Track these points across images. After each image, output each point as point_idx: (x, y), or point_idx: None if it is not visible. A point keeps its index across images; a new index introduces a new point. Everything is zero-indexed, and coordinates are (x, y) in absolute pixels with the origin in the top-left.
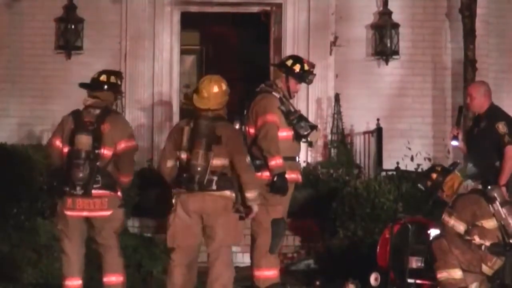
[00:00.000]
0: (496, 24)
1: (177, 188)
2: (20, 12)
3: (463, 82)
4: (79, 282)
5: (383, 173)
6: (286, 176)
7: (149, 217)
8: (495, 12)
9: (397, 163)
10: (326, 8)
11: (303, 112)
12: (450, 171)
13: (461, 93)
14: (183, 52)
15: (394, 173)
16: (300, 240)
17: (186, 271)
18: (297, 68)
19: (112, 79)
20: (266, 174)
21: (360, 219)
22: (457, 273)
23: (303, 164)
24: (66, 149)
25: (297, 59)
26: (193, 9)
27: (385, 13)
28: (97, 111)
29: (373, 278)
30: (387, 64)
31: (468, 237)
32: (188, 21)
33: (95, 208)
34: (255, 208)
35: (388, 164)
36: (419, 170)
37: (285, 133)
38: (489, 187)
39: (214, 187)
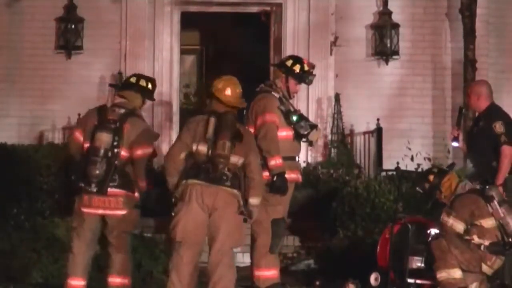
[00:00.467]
0: (496, 24)
1: (190, 180)
2: (20, 12)
3: (463, 82)
4: (82, 282)
5: (383, 173)
6: (286, 176)
7: (149, 217)
8: (495, 12)
9: (397, 163)
10: (326, 8)
11: (303, 112)
12: (447, 172)
13: (461, 93)
14: (183, 52)
15: (394, 173)
16: (300, 240)
17: (193, 271)
18: (297, 68)
19: (142, 82)
20: (266, 174)
21: (360, 219)
22: (456, 273)
23: (303, 164)
24: (86, 145)
25: (297, 59)
26: (193, 9)
27: (385, 13)
28: (122, 111)
29: (373, 278)
30: (387, 64)
31: (467, 237)
32: (188, 21)
33: (110, 207)
34: (255, 214)
35: (388, 164)
36: (419, 170)
37: (285, 133)
38: (487, 186)
39: (228, 183)
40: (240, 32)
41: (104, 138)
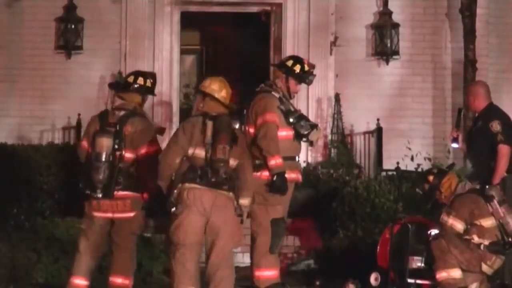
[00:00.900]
0: (496, 24)
1: (188, 183)
2: (20, 12)
3: (463, 82)
4: (85, 282)
5: (383, 173)
6: (286, 175)
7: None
8: (495, 12)
9: (397, 163)
10: (326, 8)
11: (303, 112)
12: (446, 172)
13: (461, 93)
14: (183, 52)
15: (394, 173)
16: (300, 240)
17: (197, 268)
18: (297, 68)
19: (140, 80)
20: (266, 173)
21: (360, 219)
22: (456, 273)
23: (303, 164)
24: (90, 151)
25: (297, 59)
26: (193, 9)
27: (385, 13)
28: (122, 113)
29: (373, 278)
30: (387, 64)
31: (467, 237)
32: (188, 21)
33: (118, 210)
34: (246, 214)
35: (388, 164)
36: (419, 170)
37: (285, 133)
38: (487, 186)
39: (226, 186)
40: (240, 32)
41: (104, 143)
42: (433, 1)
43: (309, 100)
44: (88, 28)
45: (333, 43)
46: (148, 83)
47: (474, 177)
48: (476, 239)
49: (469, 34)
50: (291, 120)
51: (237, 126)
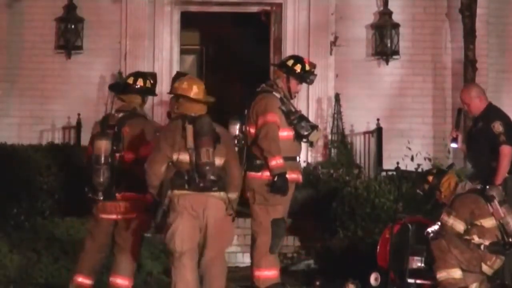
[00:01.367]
0: (496, 24)
1: (177, 190)
2: (20, 12)
3: (463, 82)
4: (88, 281)
5: (383, 173)
6: (287, 176)
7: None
8: (495, 12)
9: (397, 163)
10: (326, 8)
11: (304, 112)
12: (446, 172)
13: None
14: (183, 52)
15: (394, 173)
16: (300, 240)
17: (196, 276)
18: (298, 68)
19: (140, 81)
20: (267, 174)
21: (360, 219)
22: (456, 273)
23: (303, 164)
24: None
25: (298, 59)
26: (193, 9)
27: (385, 13)
28: (121, 115)
29: (373, 278)
30: (387, 64)
31: (467, 237)
32: (188, 21)
33: (121, 211)
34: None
35: (388, 164)
36: (419, 170)
37: (285, 133)
38: (487, 186)
39: (215, 187)
40: (240, 32)
41: (102, 145)
42: (433, 1)
43: (309, 100)
44: (88, 28)
45: (333, 43)
46: (148, 84)
47: (475, 178)
48: (476, 239)
49: (469, 34)
50: (291, 120)
51: (237, 126)
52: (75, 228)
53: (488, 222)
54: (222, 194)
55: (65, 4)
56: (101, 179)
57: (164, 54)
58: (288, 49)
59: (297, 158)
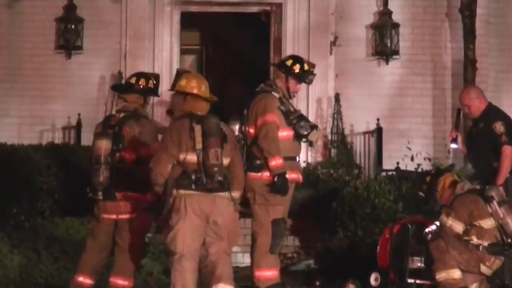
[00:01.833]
0: (496, 24)
1: (183, 190)
2: (20, 12)
3: (463, 82)
4: (88, 281)
5: (383, 173)
6: (287, 176)
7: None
8: (495, 12)
9: (397, 163)
10: (326, 8)
11: (303, 112)
12: (444, 172)
13: None
14: (183, 52)
15: (394, 173)
16: (300, 240)
17: (195, 277)
18: (296, 68)
19: (142, 81)
20: (267, 174)
21: (360, 219)
22: (455, 273)
23: (303, 164)
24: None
25: (297, 59)
26: (193, 9)
27: (385, 13)
28: (122, 115)
29: (373, 278)
30: (387, 64)
31: (466, 237)
32: (188, 21)
33: (121, 211)
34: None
35: (388, 164)
36: (419, 170)
37: (285, 133)
38: (486, 186)
39: (222, 188)
40: (240, 32)
41: (102, 145)
42: (433, 1)
43: (309, 100)
44: (88, 28)
45: (333, 43)
46: (151, 84)
47: (475, 178)
48: (475, 240)
49: (469, 34)
50: (291, 120)
51: (237, 126)
52: (75, 228)
53: (487, 223)
54: (227, 193)
55: (65, 4)
56: (101, 179)
57: (164, 54)
58: (288, 49)
59: (297, 158)
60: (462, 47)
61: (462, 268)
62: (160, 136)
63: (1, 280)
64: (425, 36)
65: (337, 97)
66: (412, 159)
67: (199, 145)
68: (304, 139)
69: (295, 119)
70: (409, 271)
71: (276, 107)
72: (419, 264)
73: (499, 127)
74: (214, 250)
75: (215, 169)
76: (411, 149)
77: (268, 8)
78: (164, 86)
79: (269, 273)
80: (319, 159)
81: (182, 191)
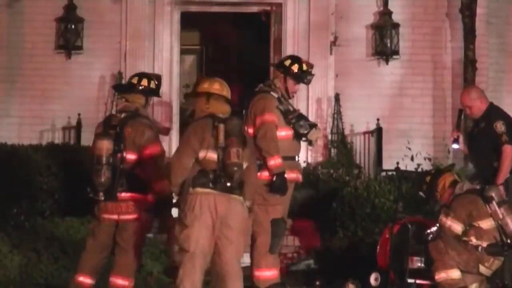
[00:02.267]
0: (496, 24)
1: (200, 188)
2: (20, 12)
3: (463, 82)
4: (88, 280)
5: (383, 173)
6: (286, 175)
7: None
8: (495, 12)
9: (397, 163)
10: (326, 8)
11: (303, 112)
12: (444, 172)
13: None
14: (183, 52)
15: (394, 173)
16: (300, 240)
17: (203, 276)
18: (295, 68)
19: (144, 81)
20: (265, 174)
21: (360, 219)
22: (455, 273)
23: (303, 164)
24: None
25: (295, 59)
26: (193, 9)
27: (385, 13)
28: (123, 115)
29: (373, 278)
30: (387, 64)
31: (465, 238)
32: (188, 21)
33: (122, 212)
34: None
35: (388, 164)
36: (419, 170)
37: (284, 133)
38: (486, 186)
39: (237, 190)
40: (240, 32)
41: (103, 145)
42: (433, 1)
43: (309, 100)
44: (88, 28)
45: (333, 43)
46: (152, 85)
47: (476, 178)
48: (474, 241)
49: (469, 34)
50: (290, 120)
51: None
52: (75, 228)
53: (486, 224)
54: (241, 198)
55: (65, 4)
56: (102, 179)
57: (164, 54)
58: (288, 49)
59: (296, 157)
60: (462, 47)
61: (461, 269)
62: (161, 137)
63: (1, 280)
64: (425, 36)
65: (337, 97)
66: (412, 159)
67: (222, 143)
68: (303, 139)
69: (294, 119)
70: (409, 271)
71: (274, 106)
72: (419, 264)
73: (500, 126)
74: (226, 255)
75: (235, 168)
76: (411, 149)
77: (268, 8)
78: (164, 86)
79: (269, 273)
80: (319, 159)
81: (198, 189)
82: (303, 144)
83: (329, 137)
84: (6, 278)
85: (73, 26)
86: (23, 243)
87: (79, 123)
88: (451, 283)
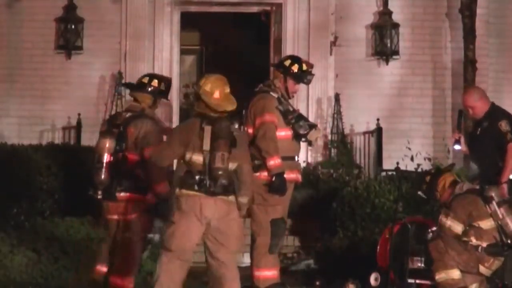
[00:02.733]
0: (496, 24)
1: (185, 190)
2: (20, 12)
3: (463, 82)
4: (105, 269)
5: (383, 173)
6: (285, 176)
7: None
8: (495, 12)
9: (397, 163)
10: (326, 8)
11: (303, 112)
12: (444, 172)
13: (461, 93)
14: (183, 52)
15: (394, 173)
16: (300, 240)
17: (183, 276)
18: (295, 68)
19: (154, 82)
20: (265, 174)
21: (360, 219)
22: (455, 273)
23: (303, 164)
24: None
25: (295, 59)
26: (193, 9)
27: (385, 13)
28: (128, 114)
29: (373, 278)
30: (387, 64)
31: (465, 238)
32: (188, 21)
33: (121, 212)
34: (244, 211)
35: (388, 164)
36: (419, 170)
37: (283, 133)
38: (486, 186)
39: (226, 191)
40: (240, 32)
41: (104, 144)
42: (433, 1)
43: (309, 100)
44: (88, 28)
45: (333, 43)
46: (162, 86)
47: (476, 178)
48: (474, 241)
49: (469, 34)
50: (289, 120)
51: (236, 126)
52: (75, 228)
53: (486, 224)
54: (230, 197)
55: (65, 4)
56: (102, 178)
57: (164, 54)
58: (288, 49)
59: (296, 157)
60: (462, 47)
61: (461, 269)
62: (165, 138)
63: (1, 280)
64: (425, 36)
65: (337, 97)
66: (412, 159)
67: (206, 146)
68: (303, 139)
69: (294, 119)
70: (409, 271)
71: (274, 107)
72: (419, 264)
73: (504, 125)
74: (218, 257)
75: (220, 172)
76: (411, 149)
77: (268, 8)
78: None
79: (269, 273)
80: (319, 159)
81: (184, 191)
82: (303, 144)
83: (329, 137)
84: (6, 278)
85: (73, 26)
86: (23, 243)
87: (79, 123)
88: (451, 283)
